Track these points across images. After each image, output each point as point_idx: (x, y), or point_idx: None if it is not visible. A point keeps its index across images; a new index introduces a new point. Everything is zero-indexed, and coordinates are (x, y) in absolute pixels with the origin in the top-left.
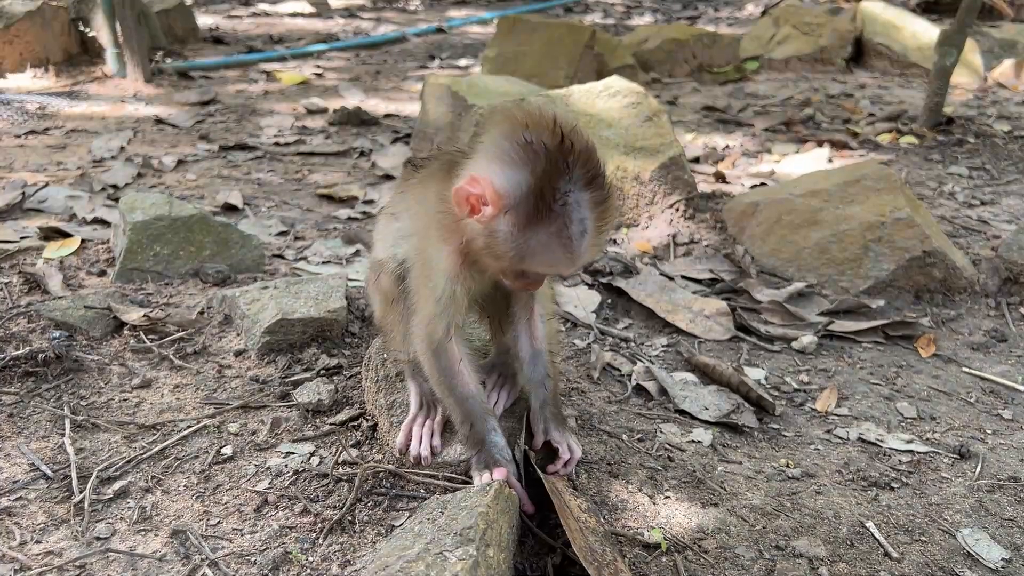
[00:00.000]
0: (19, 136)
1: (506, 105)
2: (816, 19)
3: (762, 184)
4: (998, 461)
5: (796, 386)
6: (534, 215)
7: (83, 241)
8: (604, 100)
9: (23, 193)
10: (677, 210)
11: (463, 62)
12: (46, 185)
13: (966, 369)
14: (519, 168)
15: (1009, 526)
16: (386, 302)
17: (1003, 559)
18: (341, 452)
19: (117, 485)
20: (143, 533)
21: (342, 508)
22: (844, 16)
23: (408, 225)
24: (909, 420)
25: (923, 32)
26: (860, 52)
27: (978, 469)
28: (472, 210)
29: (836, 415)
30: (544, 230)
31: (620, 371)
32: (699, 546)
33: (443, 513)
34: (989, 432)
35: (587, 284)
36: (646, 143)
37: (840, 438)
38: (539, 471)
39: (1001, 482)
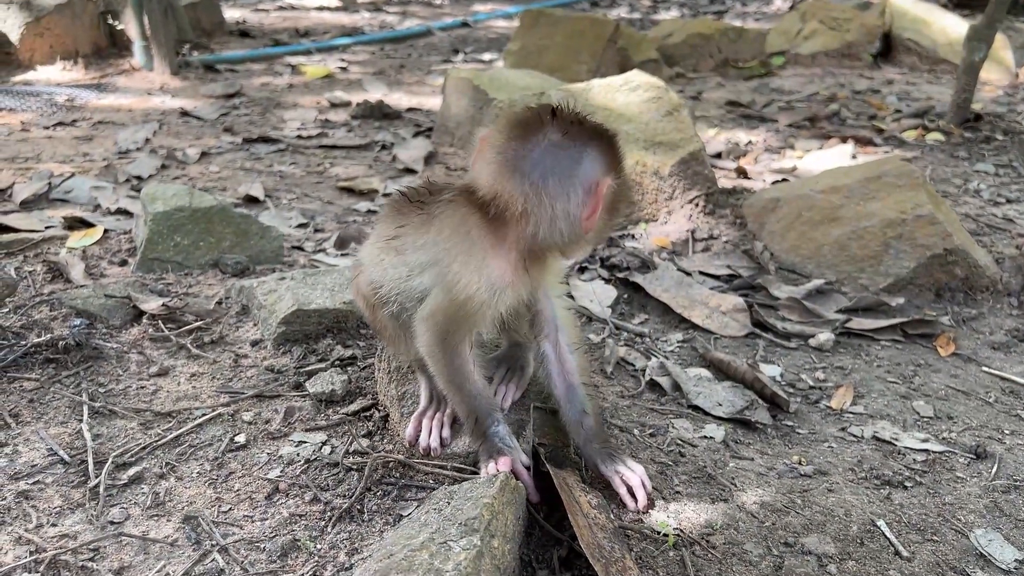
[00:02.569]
0: (47, 127)
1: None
2: (843, 14)
3: (783, 180)
4: (1015, 462)
5: (812, 383)
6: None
7: (106, 231)
8: (624, 94)
9: (49, 184)
10: (696, 205)
11: (487, 56)
12: (71, 176)
13: (986, 368)
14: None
15: None
16: (368, 306)
17: (1016, 560)
18: (352, 442)
19: (132, 471)
20: (156, 518)
21: (351, 497)
22: (872, 11)
23: (425, 258)
24: (925, 419)
25: (954, 27)
26: (889, 48)
27: (994, 469)
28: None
29: (851, 413)
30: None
31: (634, 366)
32: (707, 541)
33: (449, 503)
34: (1007, 432)
35: (604, 279)
36: (666, 138)
37: (854, 436)
38: (548, 465)
39: (1017, 483)
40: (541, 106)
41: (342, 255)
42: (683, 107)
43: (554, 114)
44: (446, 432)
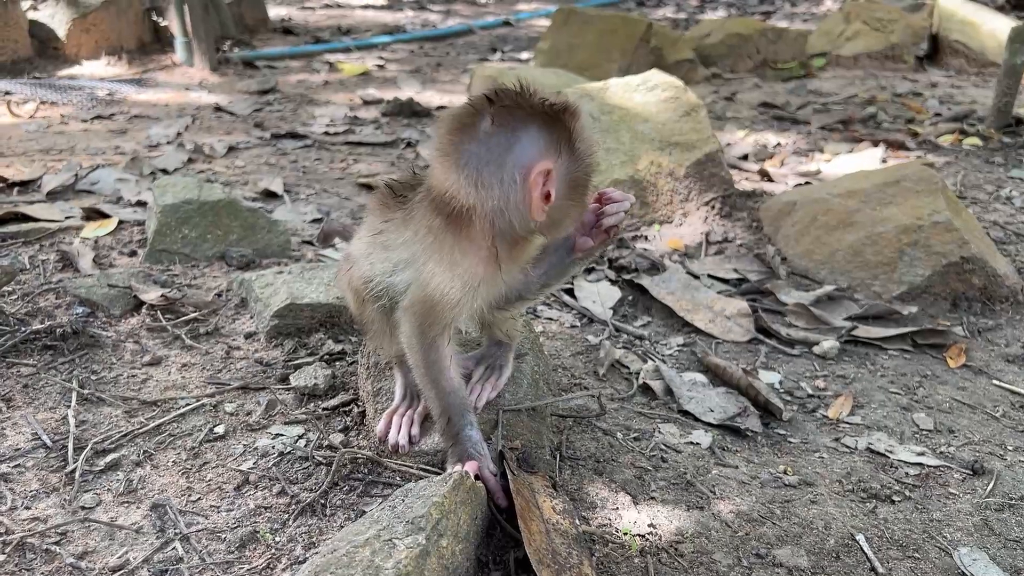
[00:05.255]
0: (85, 121)
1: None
2: (889, 15)
3: (806, 183)
4: (1014, 479)
5: (810, 392)
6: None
7: (121, 222)
8: (641, 94)
9: (76, 175)
10: (712, 208)
11: (524, 55)
12: (98, 167)
13: (996, 382)
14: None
15: (1013, 548)
16: (357, 299)
17: None
18: (323, 436)
19: (109, 457)
20: (126, 505)
21: (317, 491)
22: (920, 13)
23: (406, 255)
24: (924, 432)
25: (1004, 30)
26: (936, 50)
27: (990, 486)
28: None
29: (847, 423)
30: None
31: (629, 369)
32: (675, 549)
33: (403, 501)
34: (1010, 448)
35: (610, 280)
36: (682, 138)
37: (847, 447)
38: (509, 470)
39: (1012, 501)
40: (478, 96)
41: (327, 247)
42: (701, 107)
43: (491, 102)
44: (415, 430)
